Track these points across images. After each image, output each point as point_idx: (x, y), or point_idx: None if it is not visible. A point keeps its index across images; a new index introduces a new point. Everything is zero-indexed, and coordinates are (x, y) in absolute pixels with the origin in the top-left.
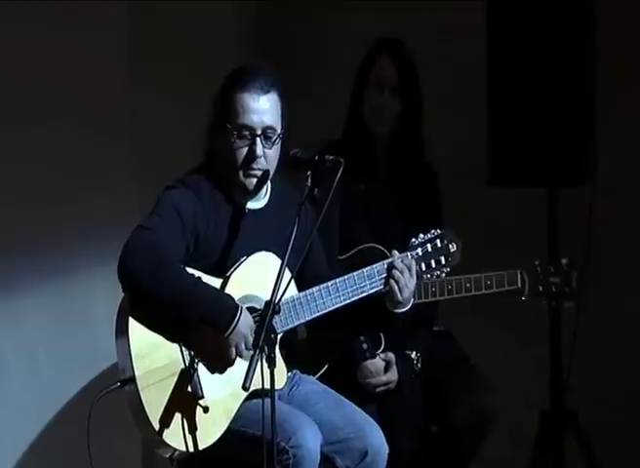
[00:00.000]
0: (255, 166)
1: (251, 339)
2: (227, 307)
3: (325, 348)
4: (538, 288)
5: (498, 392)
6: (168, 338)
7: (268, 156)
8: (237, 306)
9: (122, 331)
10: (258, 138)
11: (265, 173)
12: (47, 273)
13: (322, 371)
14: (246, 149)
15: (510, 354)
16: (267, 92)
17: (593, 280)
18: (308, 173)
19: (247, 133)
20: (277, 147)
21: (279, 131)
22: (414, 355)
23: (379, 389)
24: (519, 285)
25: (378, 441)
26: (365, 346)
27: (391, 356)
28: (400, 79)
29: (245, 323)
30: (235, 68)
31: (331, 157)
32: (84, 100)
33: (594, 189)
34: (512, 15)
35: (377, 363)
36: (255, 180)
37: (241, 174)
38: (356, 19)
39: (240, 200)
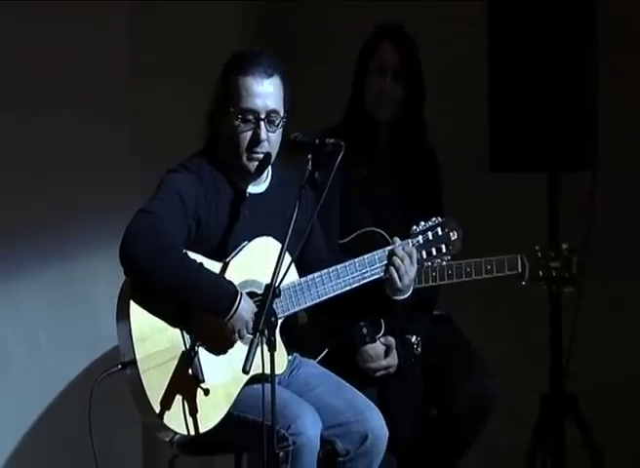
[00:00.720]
0: (258, 149)
1: (252, 324)
2: (227, 292)
3: (325, 333)
4: (538, 273)
5: (498, 376)
6: (169, 322)
7: (271, 140)
8: (237, 291)
9: (123, 315)
10: (262, 122)
11: (267, 156)
12: (47, 257)
13: (322, 356)
14: (250, 133)
15: (511, 338)
16: (271, 75)
17: (593, 266)
18: (309, 156)
19: (251, 116)
20: (280, 131)
21: (282, 114)
22: (414, 339)
23: (378, 373)
24: (519, 269)
25: (378, 424)
26: (365, 331)
27: (391, 340)
28: (402, 64)
29: (245, 308)
30: (236, 52)
31: (332, 140)
32: (85, 86)
33: (595, 175)
34: (514, 2)
35: (377, 347)
36: (257, 163)
37: (244, 157)
38: (358, 16)
39: (241, 184)
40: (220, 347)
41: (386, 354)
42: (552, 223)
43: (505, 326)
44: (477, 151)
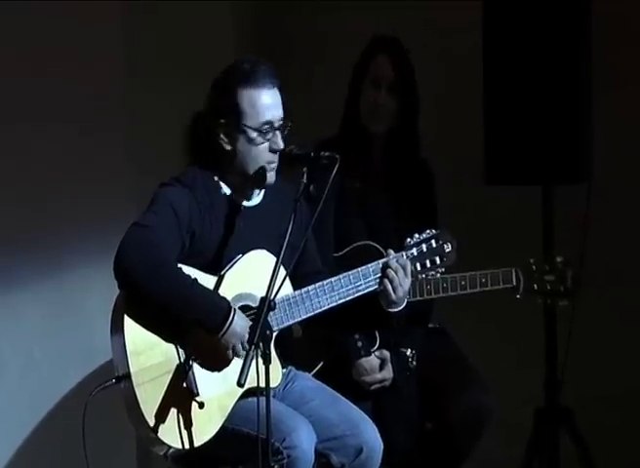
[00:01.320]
0: (275, 159)
1: (247, 338)
2: (221, 308)
3: (320, 346)
4: (532, 286)
5: (493, 390)
6: (163, 337)
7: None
8: (230, 307)
9: (117, 328)
10: (277, 132)
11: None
12: (45, 269)
13: (317, 369)
14: (267, 144)
15: (505, 351)
16: (275, 84)
17: (588, 279)
18: (304, 169)
19: (269, 128)
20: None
21: (287, 121)
22: (409, 352)
23: (373, 387)
24: (514, 282)
25: (372, 438)
26: (360, 344)
27: (386, 353)
28: (397, 77)
29: (239, 324)
30: (234, 65)
31: (327, 153)
32: (83, 99)
33: (590, 188)
34: (509, 13)
35: (371, 360)
36: (274, 176)
37: (265, 169)
38: (352, 17)
39: (240, 198)
40: (215, 364)
41: (381, 367)
42: (547, 236)
43: (500, 338)
44: (472, 164)
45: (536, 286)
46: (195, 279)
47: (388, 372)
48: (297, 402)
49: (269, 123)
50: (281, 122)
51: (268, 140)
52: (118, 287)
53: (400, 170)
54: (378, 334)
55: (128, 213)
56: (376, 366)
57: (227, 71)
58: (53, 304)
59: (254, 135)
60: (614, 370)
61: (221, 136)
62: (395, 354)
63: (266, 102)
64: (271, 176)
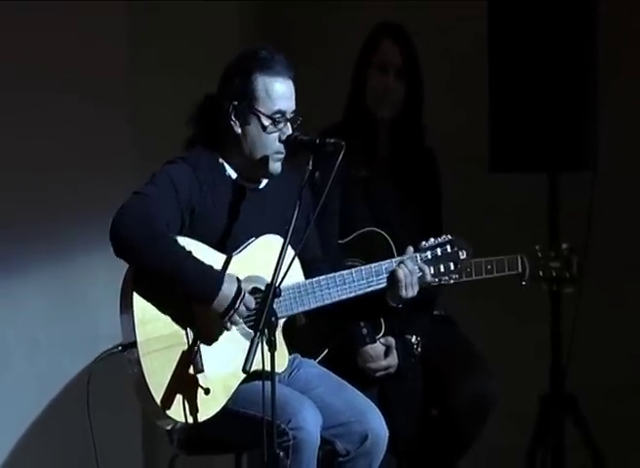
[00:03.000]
0: (283, 149)
1: (242, 308)
2: (211, 278)
3: (325, 333)
4: (538, 273)
5: (498, 376)
6: (171, 312)
7: None
8: (222, 277)
9: (126, 298)
10: (289, 123)
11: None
12: (47, 256)
13: (321, 356)
14: (277, 134)
15: (511, 338)
16: (290, 77)
17: (594, 266)
18: (310, 156)
19: (281, 118)
20: None
21: (299, 115)
22: (414, 339)
23: (379, 374)
24: (519, 269)
25: (378, 425)
26: (365, 331)
27: (391, 340)
28: (404, 62)
29: (231, 289)
30: (253, 51)
31: (332, 140)
32: (85, 86)
33: (595, 175)
34: (514, 3)
35: (377, 347)
36: (280, 166)
37: (271, 159)
38: (358, 8)
39: (246, 182)
40: (213, 335)
41: (386, 354)
42: (552, 223)
43: (506, 325)
44: (477, 151)
45: (541, 272)
46: (190, 251)
47: (393, 359)
48: (302, 389)
49: (282, 112)
50: (293, 114)
51: (279, 130)
52: (114, 253)
53: (405, 157)
54: (383, 322)
55: None
56: (381, 352)
57: (244, 55)
58: (56, 291)
59: (266, 122)
60: (619, 359)
61: (233, 117)
62: (400, 341)
63: (281, 91)
64: (277, 167)
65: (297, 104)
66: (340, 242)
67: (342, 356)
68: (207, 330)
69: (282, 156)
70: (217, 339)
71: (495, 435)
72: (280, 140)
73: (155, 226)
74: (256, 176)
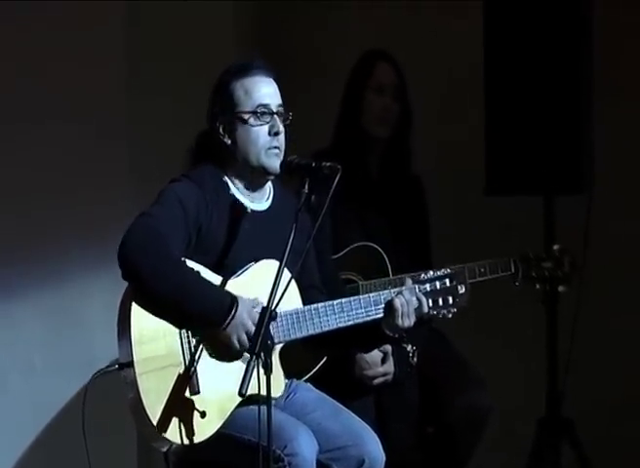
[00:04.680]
0: (276, 143)
1: (251, 329)
2: (223, 301)
3: (316, 354)
4: (531, 273)
5: (488, 387)
6: (171, 328)
7: (282, 135)
8: (234, 299)
9: (124, 318)
10: (275, 115)
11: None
12: (45, 279)
13: (320, 365)
14: (266, 127)
15: (507, 362)
16: (271, 76)
17: (591, 287)
18: (306, 179)
19: (265, 110)
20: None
21: (288, 113)
22: (409, 348)
23: (376, 381)
24: (512, 270)
25: (375, 449)
26: None
27: (388, 348)
28: (399, 83)
29: (244, 314)
30: (230, 64)
31: (328, 163)
32: (83, 107)
33: (591, 199)
34: (510, 24)
35: (373, 354)
36: (278, 162)
37: (263, 154)
38: (355, 23)
39: (245, 199)
40: (224, 357)
41: (383, 361)
42: (548, 245)
43: (503, 350)
44: (474, 174)
45: (534, 273)
46: (198, 272)
47: (390, 366)
48: (298, 413)
49: (264, 106)
50: (280, 108)
51: (267, 123)
52: (122, 276)
53: (394, 182)
54: None
55: (128, 222)
56: (377, 359)
57: (221, 74)
58: (53, 314)
59: (247, 117)
60: (616, 380)
61: (220, 131)
62: (396, 350)
63: (260, 87)
64: (272, 162)
65: (285, 104)
66: (333, 257)
67: (339, 365)
68: (217, 346)
69: (277, 151)
70: (234, 357)
71: (493, 457)
72: (270, 133)
73: (163, 246)
74: (259, 183)
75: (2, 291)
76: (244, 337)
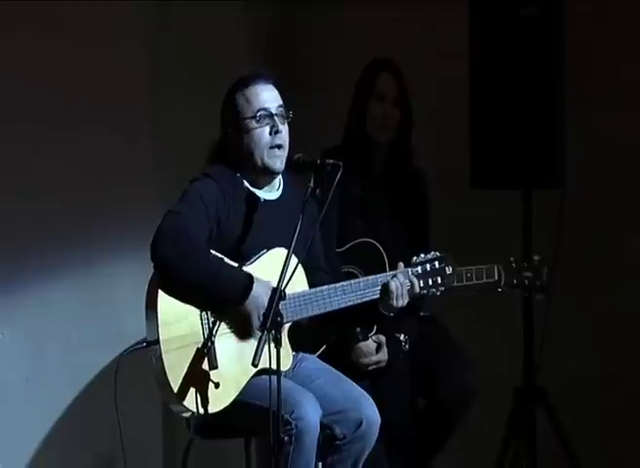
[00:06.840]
0: (278, 141)
1: (266, 306)
2: (241, 280)
3: (323, 331)
4: (512, 281)
5: (477, 368)
6: (198, 305)
7: (285, 132)
8: (252, 278)
9: (151, 301)
10: (275, 117)
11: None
12: (78, 263)
13: (320, 351)
14: (267, 128)
15: (489, 338)
16: (271, 82)
17: (564, 273)
18: (311, 174)
19: (264, 113)
20: (287, 126)
21: (288, 111)
22: (402, 337)
23: (371, 367)
24: (496, 277)
25: (371, 412)
26: (358, 330)
27: (382, 338)
28: (399, 92)
29: (260, 294)
30: (234, 81)
31: (331, 161)
32: (114, 104)
33: (564, 193)
34: (492, 37)
35: (369, 344)
36: (279, 162)
37: (265, 155)
38: (356, 40)
39: (257, 189)
40: (243, 333)
41: (378, 350)
42: (525, 236)
43: (485, 330)
44: (458, 170)
45: (515, 281)
46: (222, 258)
47: (384, 355)
48: (304, 380)
49: (265, 109)
50: (280, 109)
51: (267, 125)
52: (154, 268)
53: (397, 177)
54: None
55: (153, 215)
56: (372, 349)
57: (229, 86)
58: (87, 294)
59: (250, 121)
60: (585, 355)
61: (230, 137)
62: (390, 339)
63: (260, 94)
64: (274, 163)
65: (285, 104)
66: (337, 250)
67: (339, 352)
68: (237, 323)
69: (280, 152)
70: (248, 333)
71: (474, 423)
72: (271, 132)
73: (191, 240)
74: (265, 181)
75: (40, 275)
76: (261, 312)
